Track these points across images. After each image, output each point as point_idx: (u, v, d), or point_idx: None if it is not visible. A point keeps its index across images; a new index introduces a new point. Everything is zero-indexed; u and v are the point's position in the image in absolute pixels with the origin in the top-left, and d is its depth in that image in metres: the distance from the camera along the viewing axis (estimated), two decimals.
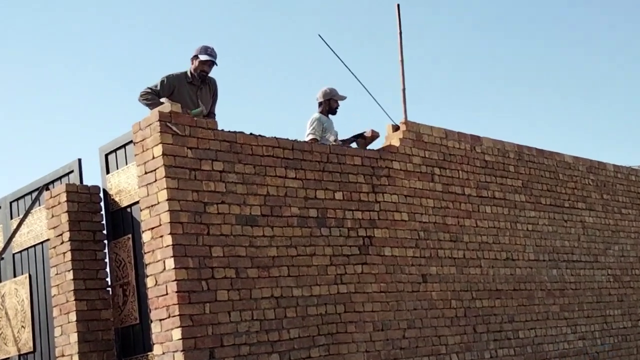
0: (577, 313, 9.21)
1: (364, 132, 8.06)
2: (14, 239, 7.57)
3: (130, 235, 6.61)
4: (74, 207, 6.71)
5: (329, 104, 8.15)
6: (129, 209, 6.69)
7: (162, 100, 6.85)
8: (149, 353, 6.17)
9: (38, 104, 20.84)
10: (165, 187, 5.83)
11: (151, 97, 6.86)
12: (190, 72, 7.16)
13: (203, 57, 7.11)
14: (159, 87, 6.97)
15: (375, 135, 7.99)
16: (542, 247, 9.04)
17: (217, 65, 7.18)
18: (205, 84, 7.24)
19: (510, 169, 8.96)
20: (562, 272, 9.22)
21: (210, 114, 7.24)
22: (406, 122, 7.87)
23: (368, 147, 7.79)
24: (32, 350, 7.31)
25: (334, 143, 7.71)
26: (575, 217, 9.71)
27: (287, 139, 6.76)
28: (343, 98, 8.18)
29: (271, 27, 22.04)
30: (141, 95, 6.92)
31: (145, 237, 5.97)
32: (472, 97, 24.03)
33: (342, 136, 8.12)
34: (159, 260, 5.84)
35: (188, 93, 7.08)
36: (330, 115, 8.17)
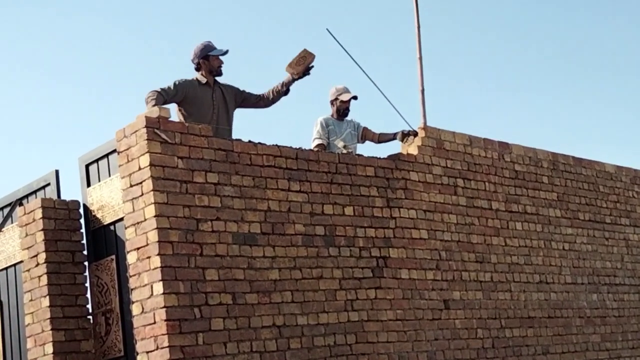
0: (620, 344, 9.17)
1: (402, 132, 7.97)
2: None
3: (113, 257, 6.62)
4: (51, 225, 6.73)
5: (336, 105, 8.17)
6: (112, 227, 6.71)
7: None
8: None
9: (9, 108, 20.94)
10: (153, 201, 5.85)
11: (159, 100, 6.88)
12: (203, 76, 7.27)
13: (215, 53, 7.27)
14: (170, 90, 6.99)
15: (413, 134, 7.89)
16: (580, 269, 9.02)
17: (228, 52, 7.29)
18: (217, 86, 7.32)
19: (543, 180, 8.95)
20: (604, 297, 9.20)
21: (229, 120, 7.34)
22: (425, 127, 7.88)
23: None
24: None
25: (343, 151, 7.72)
26: (618, 234, 9.69)
27: (291, 147, 6.78)
28: (349, 97, 8.10)
29: (273, 21, 22.12)
30: (151, 94, 6.86)
31: (131, 258, 5.99)
32: (500, 99, 24.03)
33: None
34: (145, 285, 5.85)
35: (203, 97, 7.17)
36: (345, 119, 8.18)
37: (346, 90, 8.17)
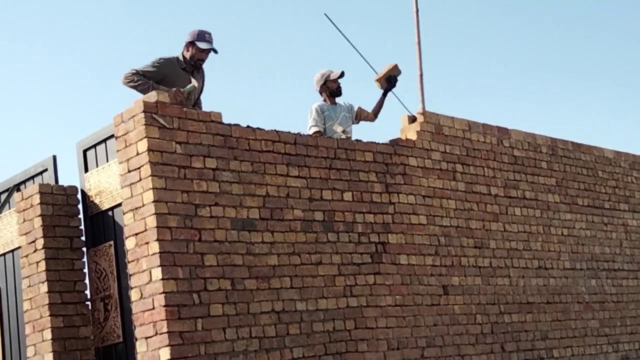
0: (619, 329, 9.19)
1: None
2: None
3: (112, 242, 6.62)
4: (49, 211, 6.72)
5: (327, 87, 8.10)
6: (110, 212, 6.70)
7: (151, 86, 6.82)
8: None
9: (6, 94, 20.90)
10: (151, 187, 5.84)
11: (138, 79, 6.84)
12: (184, 57, 7.17)
13: (202, 45, 7.10)
14: (149, 70, 6.94)
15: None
16: (579, 254, 9.03)
17: (216, 53, 7.18)
18: (196, 70, 7.25)
19: (542, 165, 8.95)
20: (602, 283, 9.21)
21: (197, 105, 7.24)
22: (424, 113, 7.87)
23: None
24: None
25: (342, 135, 7.70)
26: (617, 219, 9.70)
27: (289, 132, 6.77)
28: (339, 75, 8.04)
29: (269, 5, 22.05)
30: (126, 78, 6.85)
31: (129, 243, 5.98)
32: (499, 84, 24.00)
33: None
34: (144, 270, 5.85)
35: (181, 80, 7.08)
36: (338, 100, 8.12)
37: (331, 71, 8.09)
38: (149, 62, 6.98)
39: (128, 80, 6.85)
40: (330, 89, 8.07)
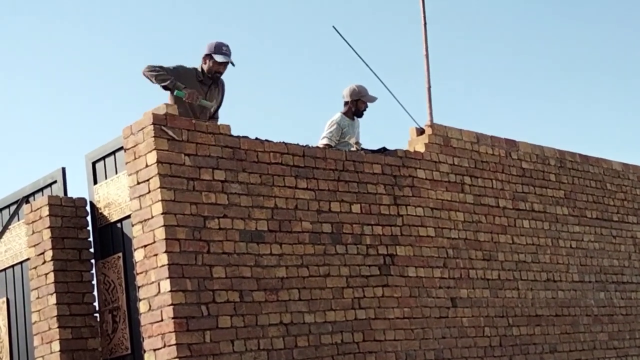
0: (628, 342, 9.16)
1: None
2: None
3: (120, 254, 6.62)
4: (58, 222, 6.73)
5: (356, 104, 8.15)
6: (119, 224, 6.71)
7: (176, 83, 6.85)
8: None
9: (17, 105, 20.97)
10: (160, 199, 5.85)
11: (161, 69, 6.86)
12: (202, 69, 7.21)
13: (219, 58, 7.13)
14: (171, 70, 6.98)
15: None
16: (587, 267, 9.00)
17: (233, 66, 7.22)
18: (215, 83, 7.29)
19: (551, 177, 8.94)
20: (611, 295, 9.18)
21: (214, 118, 7.28)
22: (432, 125, 7.87)
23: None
24: None
25: (354, 147, 7.71)
26: (626, 232, 9.67)
27: (298, 145, 6.78)
28: (373, 99, 8.15)
29: (279, 18, 22.11)
30: (148, 67, 6.87)
31: (138, 255, 5.99)
32: (508, 97, 23.99)
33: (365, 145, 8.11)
34: (153, 282, 5.85)
35: (199, 92, 7.12)
36: (356, 117, 8.18)
37: (368, 93, 8.13)
38: (171, 65, 7.02)
39: (150, 70, 6.86)
40: (358, 107, 8.15)
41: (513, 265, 8.17)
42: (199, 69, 7.23)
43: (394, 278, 7.10)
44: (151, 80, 6.89)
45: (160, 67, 6.94)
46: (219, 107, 7.44)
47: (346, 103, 8.18)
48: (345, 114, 8.12)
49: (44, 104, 20.91)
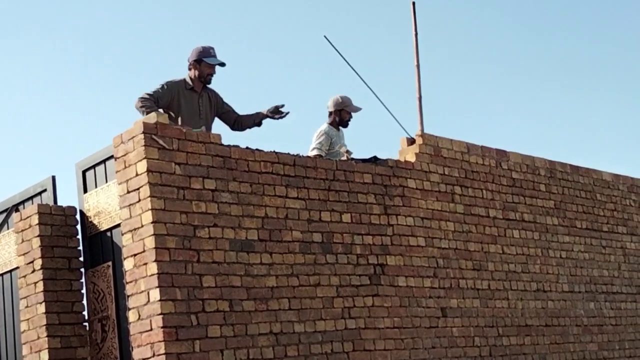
0: (617, 352, 9.17)
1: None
2: None
3: (110, 263, 6.61)
4: (47, 231, 6.72)
5: (340, 114, 8.18)
6: (108, 233, 6.70)
7: (160, 110, 6.86)
8: None
9: (6, 114, 20.92)
10: (150, 208, 5.84)
11: (150, 105, 6.87)
12: (191, 79, 7.21)
13: (210, 61, 7.16)
14: (158, 91, 6.99)
15: None
16: (577, 277, 9.02)
17: (224, 66, 7.25)
18: (205, 91, 7.29)
19: (541, 188, 8.96)
20: (601, 306, 9.19)
21: (207, 126, 7.28)
22: (423, 135, 7.89)
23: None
24: None
25: (345, 155, 7.71)
26: (615, 242, 9.69)
27: (288, 154, 6.78)
28: (357, 109, 8.20)
29: (271, 28, 22.14)
30: (139, 101, 6.89)
31: (127, 264, 5.98)
32: (498, 107, 24.07)
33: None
34: (142, 291, 5.84)
35: (190, 102, 7.13)
36: (341, 128, 8.19)
37: (352, 103, 8.15)
38: (157, 86, 7.02)
39: (141, 104, 6.86)
40: (342, 117, 8.17)
41: (503, 275, 8.18)
42: (187, 79, 7.23)
43: (384, 288, 7.10)
44: (142, 115, 6.87)
45: (149, 95, 6.91)
46: (213, 117, 7.43)
47: (330, 113, 8.20)
48: (330, 124, 8.15)
49: (34, 112, 20.87)
